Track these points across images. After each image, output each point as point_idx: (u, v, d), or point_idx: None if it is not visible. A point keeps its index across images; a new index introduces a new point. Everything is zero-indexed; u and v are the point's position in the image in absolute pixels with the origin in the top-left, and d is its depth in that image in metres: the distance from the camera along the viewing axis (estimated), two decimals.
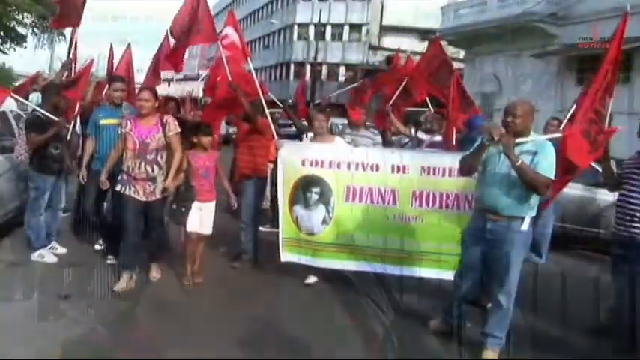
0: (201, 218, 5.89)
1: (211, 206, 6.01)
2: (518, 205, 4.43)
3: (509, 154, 4.32)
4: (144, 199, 5.59)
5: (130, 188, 5.57)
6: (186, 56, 8.64)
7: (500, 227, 4.50)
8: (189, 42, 6.85)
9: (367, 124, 7.78)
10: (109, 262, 6.30)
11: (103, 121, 6.23)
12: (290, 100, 9.59)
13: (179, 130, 5.69)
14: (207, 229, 6.00)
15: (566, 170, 5.12)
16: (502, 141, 4.35)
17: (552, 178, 4.35)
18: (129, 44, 8.48)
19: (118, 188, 5.63)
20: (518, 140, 4.41)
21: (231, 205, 6.23)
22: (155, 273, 6.03)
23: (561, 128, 5.86)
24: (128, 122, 5.60)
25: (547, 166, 4.33)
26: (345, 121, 7.98)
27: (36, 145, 6.16)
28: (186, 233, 5.99)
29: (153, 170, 5.56)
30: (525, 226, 4.46)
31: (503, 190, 4.44)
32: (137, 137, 5.52)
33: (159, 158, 5.59)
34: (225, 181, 6.28)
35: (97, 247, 6.68)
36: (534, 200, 4.48)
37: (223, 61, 6.69)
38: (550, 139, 4.76)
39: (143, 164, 5.52)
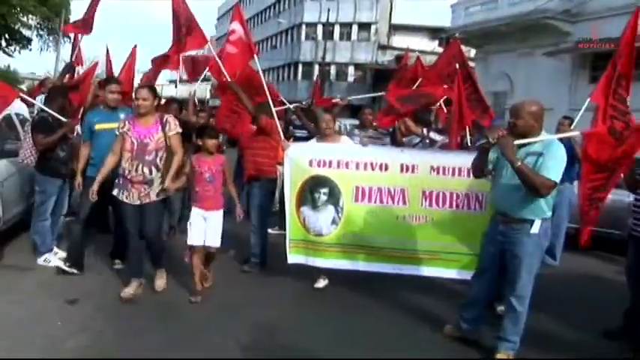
0: (206, 229, 5.63)
1: (218, 215, 5.68)
2: (528, 207, 4.38)
3: (507, 155, 4.27)
4: (138, 202, 5.42)
5: (125, 192, 5.42)
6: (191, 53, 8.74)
7: (512, 230, 4.48)
8: (181, 49, 6.96)
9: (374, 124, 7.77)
10: (115, 266, 6.30)
11: (97, 126, 6.02)
12: (304, 102, 9.40)
13: (180, 129, 5.54)
14: (213, 240, 5.67)
15: (594, 168, 5.02)
16: (499, 142, 4.31)
17: (556, 179, 4.22)
18: (135, 46, 8.53)
19: (115, 192, 5.48)
20: (524, 141, 4.36)
21: (237, 214, 5.82)
22: (159, 281, 5.88)
23: (572, 127, 5.83)
24: (126, 122, 5.44)
25: (551, 166, 4.23)
26: (353, 122, 7.93)
27: (45, 146, 6.13)
28: (189, 245, 5.67)
29: (151, 172, 5.36)
30: (536, 228, 4.39)
31: (511, 193, 4.41)
32: (135, 137, 5.34)
33: (158, 160, 5.39)
34: (232, 188, 5.90)
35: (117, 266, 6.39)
36: (545, 202, 4.40)
37: (217, 59, 6.80)
38: (561, 139, 4.73)
39: (141, 166, 5.33)
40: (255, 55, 6.86)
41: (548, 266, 7.80)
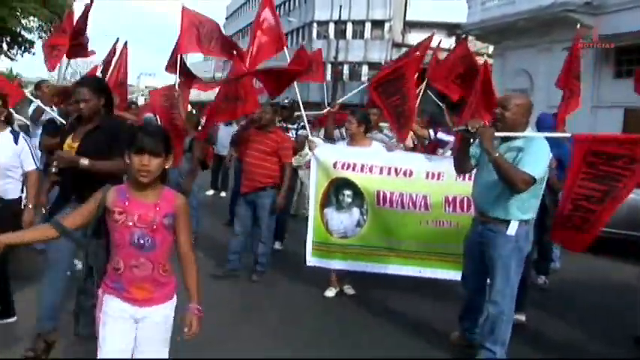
0: (137, 338, 2.93)
1: (161, 314, 2.96)
2: (504, 206, 4.31)
3: (485, 145, 4.19)
4: None
5: None
6: (200, 58, 8.64)
7: (489, 230, 4.43)
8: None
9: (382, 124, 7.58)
10: None
11: None
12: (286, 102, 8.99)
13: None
14: (151, 354, 2.97)
15: (587, 175, 4.59)
16: (479, 131, 4.20)
17: (535, 175, 4.12)
18: (125, 42, 8.13)
19: None
20: (506, 134, 4.31)
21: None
22: None
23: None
24: None
25: (530, 161, 4.15)
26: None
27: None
28: None
29: None
30: (512, 230, 4.30)
31: (489, 190, 4.37)
32: None
33: None
34: (193, 275, 3.02)
35: None
36: (524, 202, 4.30)
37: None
38: (554, 139, 4.70)
39: None
40: (284, 47, 6.83)
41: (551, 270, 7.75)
